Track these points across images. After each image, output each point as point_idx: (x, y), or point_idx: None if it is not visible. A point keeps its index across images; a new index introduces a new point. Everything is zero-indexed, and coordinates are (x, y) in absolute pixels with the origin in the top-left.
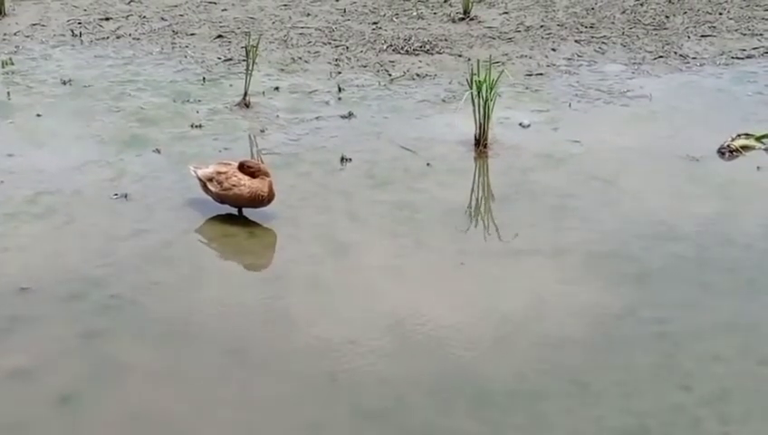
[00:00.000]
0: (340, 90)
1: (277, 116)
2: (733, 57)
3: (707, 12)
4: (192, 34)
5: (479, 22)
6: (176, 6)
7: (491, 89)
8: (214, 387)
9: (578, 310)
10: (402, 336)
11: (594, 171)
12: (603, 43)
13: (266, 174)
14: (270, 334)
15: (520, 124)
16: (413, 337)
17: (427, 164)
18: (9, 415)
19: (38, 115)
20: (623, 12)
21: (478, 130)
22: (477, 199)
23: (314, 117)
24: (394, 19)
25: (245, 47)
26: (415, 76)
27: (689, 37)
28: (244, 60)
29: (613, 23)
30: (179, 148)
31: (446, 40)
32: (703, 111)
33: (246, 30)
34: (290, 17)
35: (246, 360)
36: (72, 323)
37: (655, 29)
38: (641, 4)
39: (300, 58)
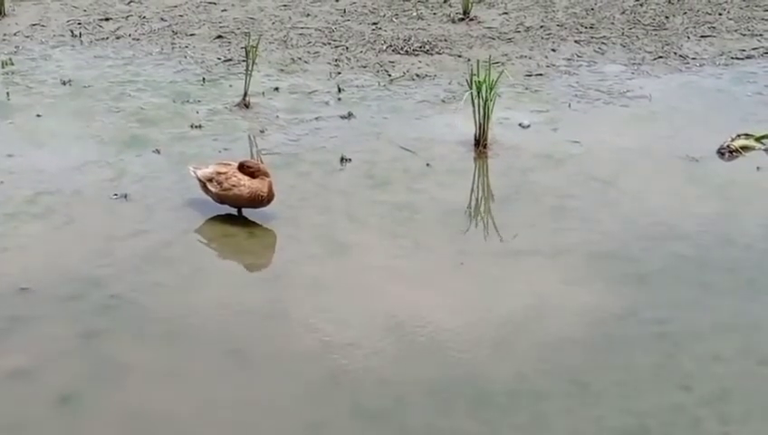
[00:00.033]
0: (339, 90)
1: (277, 116)
2: (732, 57)
3: (707, 12)
4: (192, 35)
5: (479, 22)
6: (176, 7)
7: (491, 89)
8: (214, 387)
9: (578, 310)
10: (402, 336)
11: (594, 172)
12: (603, 43)
13: (266, 174)
14: (270, 334)
15: (520, 124)
16: (413, 337)
17: (427, 164)
18: (9, 415)
19: (38, 115)
20: (623, 12)
21: (478, 131)
22: (477, 200)
23: (314, 117)
24: (394, 19)
25: (245, 47)
26: (414, 76)
27: (689, 37)
28: (243, 60)
29: (613, 23)
30: (179, 148)
31: (445, 40)
32: (703, 112)
33: (246, 30)
34: (290, 17)
35: (246, 360)
36: (72, 323)
37: (655, 29)
38: (641, 5)
39: (300, 58)
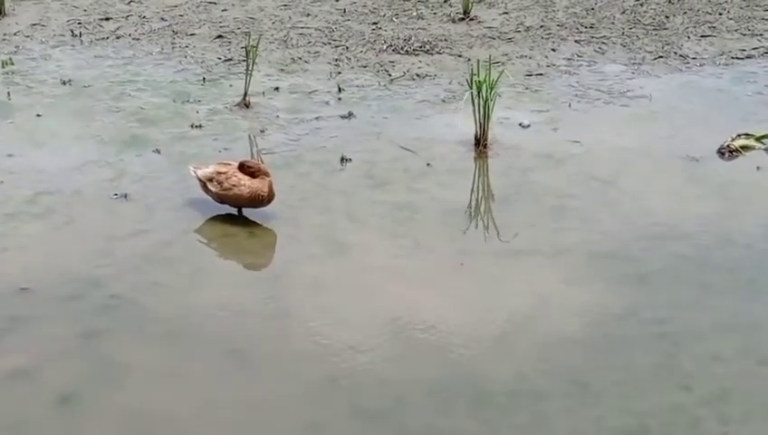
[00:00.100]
0: (340, 90)
1: (277, 116)
2: (733, 57)
3: (707, 12)
4: (192, 35)
5: (479, 22)
6: (176, 6)
7: (491, 89)
8: (214, 387)
9: (578, 310)
10: (402, 336)
11: (594, 171)
12: (603, 43)
13: (266, 174)
14: (270, 334)
15: (520, 124)
16: (413, 337)
17: (427, 164)
18: (9, 415)
19: (38, 115)
20: (623, 12)
21: (478, 131)
22: (477, 200)
23: (314, 117)
24: (394, 19)
25: (245, 47)
26: (415, 76)
27: (689, 37)
28: (244, 60)
29: (613, 23)
30: (179, 148)
31: (445, 40)
32: (703, 112)
33: (246, 30)
34: (290, 17)
35: (246, 360)
36: (72, 323)
37: (655, 29)
38: (641, 4)
39: (300, 58)
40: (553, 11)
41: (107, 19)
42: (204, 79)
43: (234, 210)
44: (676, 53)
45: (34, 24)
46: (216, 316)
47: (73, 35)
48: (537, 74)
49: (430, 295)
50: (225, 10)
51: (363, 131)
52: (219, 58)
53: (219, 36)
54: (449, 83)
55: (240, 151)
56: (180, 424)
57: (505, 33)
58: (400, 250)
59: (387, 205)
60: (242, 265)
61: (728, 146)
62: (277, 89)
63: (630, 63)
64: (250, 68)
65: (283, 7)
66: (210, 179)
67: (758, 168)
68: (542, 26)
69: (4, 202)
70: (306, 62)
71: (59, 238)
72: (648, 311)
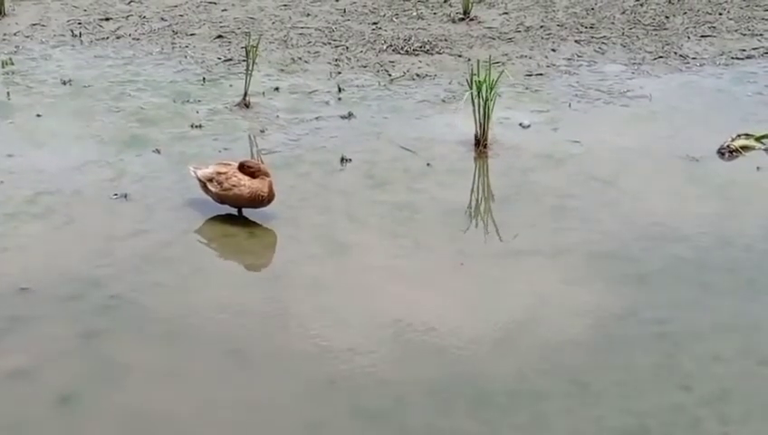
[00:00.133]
0: (340, 90)
1: (277, 116)
2: (733, 57)
3: (707, 12)
4: (192, 35)
5: (479, 22)
6: (176, 6)
7: (491, 89)
8: (214, 387)
9: (578, 310)
10: (402, 336)
11: (594, 172)
12: (603, 43)
13: (266, 174)
14: (270, 334)
15: (520, 124)
16: (413, 337)
17: (427, 164)
18: (9, 415)
19: (38, 115)
20: (623, 12)
21: (478, 131)
22: (477, 200)
23: (314, 117)
24: (394, 19)
25: (245, 47)
26: (415, 76)
27: (689, 37)
28: (244, 60)
29: (613, 23)
30: (179, 148)
31: (445, 40)
32: (703, 112)
33: (246, 30)
34: (290, 17)
35: (246, 360)
36: (72, 323)
37: (655, 29)
38: (641, 5)
39: (300, 58)
40: (553, 11)
41: (107, 19)
42: (204, 79)
43: (234, 210)
44: (676, 53)
45: (34, 24)
46: (216, 316)
47: (73, 35)
48: (537, 74)
49: (430, 296)
50: (225, 10)
51: (363, 131)
52: (219, 58)
53: (219, 36)
54: (449, 83)
55: (240, 151)
56: (180, 424)
57: (505, 33)
58: (400, 250)
59: (387, 205)
60: (242, 266)
61: (728, 146)
62: (277, 89)
63: (630, 63)
64: (250, 68)
65: (283, 7)
66: (210, 180)
67: (758, 168)
68: (542, 26)
69: (4, 202)
70: (306, 62)
71: (59, 238)
72: (648, 311)
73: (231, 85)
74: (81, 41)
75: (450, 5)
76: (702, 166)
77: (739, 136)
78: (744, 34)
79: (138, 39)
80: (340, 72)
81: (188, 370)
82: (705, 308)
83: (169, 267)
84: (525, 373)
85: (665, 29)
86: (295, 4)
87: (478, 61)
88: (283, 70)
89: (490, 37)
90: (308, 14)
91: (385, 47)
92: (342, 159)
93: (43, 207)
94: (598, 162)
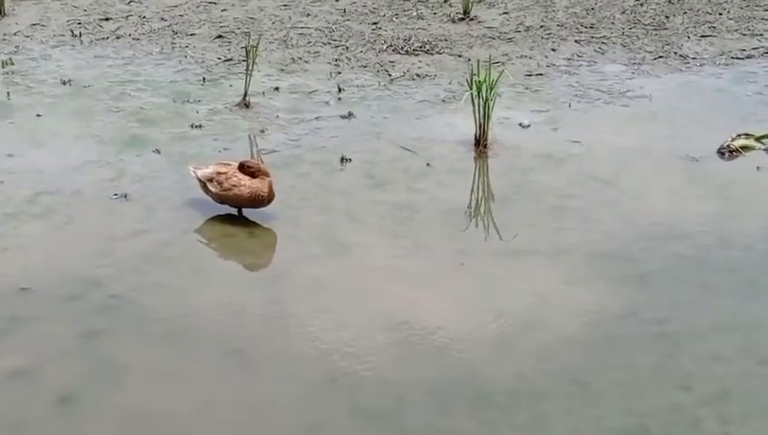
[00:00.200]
0: (340, 90)
1: (277, 116)
2: (733, 57)
3: (707, 12)
4: (192, 35)
5: (479, 22)
6: (176, 6)
7: (491, 89)
8: (214, 387)
9: (578, 310)
10: (402, 336)
11: (594, 171)
12: (603, 43)
13: (266, 174)
14: (270, 335)
15: (520, 124)
16: (413, 337)
17: (427, 164)
18: (9, 415)
19: (38, 115)
20: (623, 12)
21: (478, 131)
22: (477, 200)
23: (314, 117)
24: (394, 19)
25: (245, 47)
26: (415, 76)
27: (689, 37)
28: (244, 60)
29: (613, 23)
30: (179, 148)
31: (445, 40)
32: (703, 111)
33: (246, 30)
34: (290, 17)
35: (246, 360)
36: (72, 323)
37: (655, 29)
38: (641, 4)
39: (300, 58)
40: (553, 11)
41: (107, 19)
42: (204, 79)
43: (234, 210)
44: (676, 53)
45: (34, 24)
46: (216, 316)
47: (73, 35)
48: (537, 74)
49: (430, 295)
50: (225, 10)
51: (363, 131)
52: (219, 58)
53: (219, 36)
54: (449, 83)
55: (240, 151)
56: (180, 424)
57: (505, 33)
58: (400, 250)
59: (387, 205)
60: (242, 266)
61: (728, 146)
62: (277, 89)
63: (630, 63)
64: (250, 68)
65: (283, 7)
66: (210, 180)
67: (758, 168)
68: (542, 26)
69: (4, 202)
70: (306, 62)
71: (59, 238)
72: (648, 311)
73: (231, 85)
74: (81, 41)
75: (450, 5)
76: (702, 166)
77: (739, 136)
78: (744, 34)
79: (138, 39)
80: (340, 72)
81: (188, 370)
82: (705, 308)
83: (169, 267)
84: (525, 373)
85: (665, 29)
86: (295, 5)
87: (478, 61)
88: (282, 70)
89: (490, 37)
90: (308, 14)
91: (385, 47)
92: (342, 159)
93: (43, 207)
94: (598, 162)
